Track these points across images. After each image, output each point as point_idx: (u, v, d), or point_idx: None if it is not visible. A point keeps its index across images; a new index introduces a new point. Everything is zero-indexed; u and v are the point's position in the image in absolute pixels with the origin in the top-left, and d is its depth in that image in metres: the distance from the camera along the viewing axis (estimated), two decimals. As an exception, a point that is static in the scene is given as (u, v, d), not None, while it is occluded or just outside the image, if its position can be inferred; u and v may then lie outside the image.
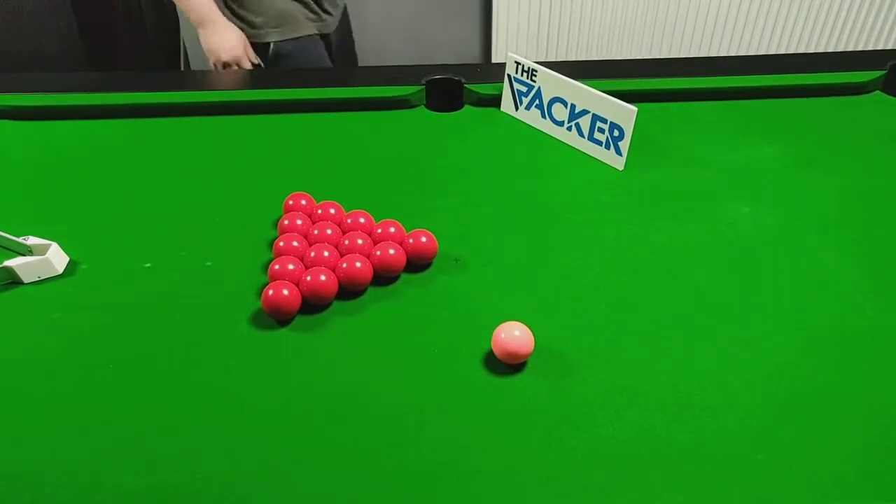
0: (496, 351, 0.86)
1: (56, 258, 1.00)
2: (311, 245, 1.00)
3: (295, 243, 1.00)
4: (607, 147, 1.23)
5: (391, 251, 0.98)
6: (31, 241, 1.01)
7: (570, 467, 0.75)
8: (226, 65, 1.62)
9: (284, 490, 0.73)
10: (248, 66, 1.64)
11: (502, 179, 1.20)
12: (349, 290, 0.97)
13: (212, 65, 1.65)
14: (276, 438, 0.79)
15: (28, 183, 1.20)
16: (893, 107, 1.40)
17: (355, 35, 1.91)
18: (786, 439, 0.78)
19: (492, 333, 0.87)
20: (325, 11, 1.74)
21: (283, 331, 0.92)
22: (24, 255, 1.00)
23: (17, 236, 1.02)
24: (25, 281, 0.99)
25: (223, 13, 1.62)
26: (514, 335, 0.86)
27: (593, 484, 0.74)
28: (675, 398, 0.83)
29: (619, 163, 1.23)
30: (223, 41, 1.58)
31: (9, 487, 0.73)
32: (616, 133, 1.21)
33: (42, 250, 1.00)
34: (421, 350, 0.90)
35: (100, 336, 0.91)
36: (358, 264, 0.96)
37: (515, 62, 1.32)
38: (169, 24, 2.50)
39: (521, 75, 1.32)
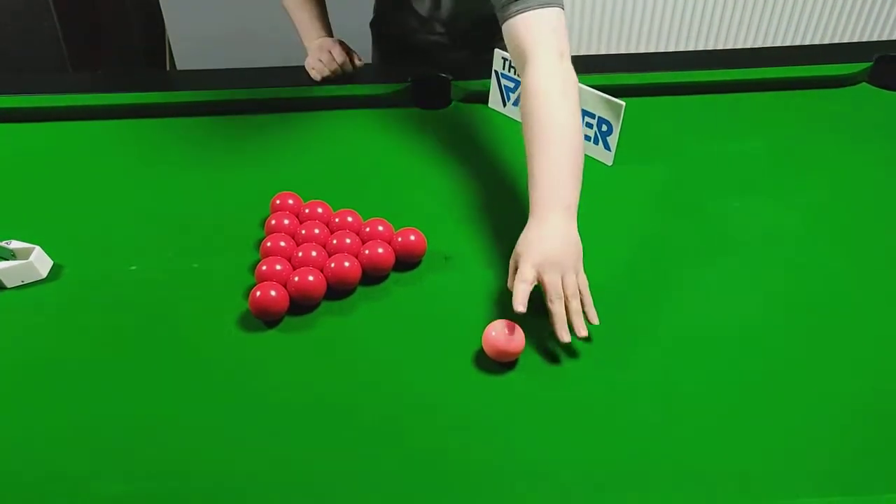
0: (487, 349, 0.86)
1: (39, 262, 0.99)
2: (298, 245, 0.99)
3: (282, 243, 0.99)
4: (596, 142, 1.23)
5: (380, 250, 0.97)
6: (14, 244, 1.00)
7: (563, 466, 0.75)
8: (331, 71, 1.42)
9: (274, 494, 0.73)
10: (338, 58, 1.41)
11: (491, 176, 1.19)
12: (338, 290, 0.96)
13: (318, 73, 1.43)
14: (264, 441, 0.78)
15: (10, 185, 1.18)
16: (880, 98, 1.41)
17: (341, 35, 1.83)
18: (781, 434, 0.78)
19: (482, 332, 0.87)
20: (435, 32, 1.55)
21: (271, 332, 0.91)
22: (6, 260, 0.99)
23: None
24: (8, 286, 0.97)
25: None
26: (504, 333, 0.85)
27: (588, 482, 0.73)
28: (668, 394, 0.83)
29: (607, 158, 1.22)
30: (312, 58, 1.43)
31: (-7, 496, 0.72)
32: (604, 128, 1.20)
33: (25, 254, 0.98)
34: (411, 349, 0.89)
35: (85, 341, 0.90)
36: (346, 263, 0.95)
37: (502, 58, 1.31)
38: (154, 24, 2.47)
39: (509, 71, 1.31)
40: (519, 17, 1.05)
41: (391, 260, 0.99)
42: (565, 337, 0.88)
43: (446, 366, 0.87)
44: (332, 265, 0.95)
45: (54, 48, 2.13)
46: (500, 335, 0.85)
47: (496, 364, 0.86)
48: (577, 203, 0.97)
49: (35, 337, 0.91)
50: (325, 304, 0.95)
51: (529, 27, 1.04)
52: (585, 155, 1.22)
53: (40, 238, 1.02)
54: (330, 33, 1.48)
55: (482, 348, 0.87)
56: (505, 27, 1.08)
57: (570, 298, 0.90)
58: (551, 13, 1.05)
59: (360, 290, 0.98)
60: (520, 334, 0.86)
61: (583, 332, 0.88)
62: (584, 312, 0.90)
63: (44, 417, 0.81)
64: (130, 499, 0.72)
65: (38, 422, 0.80)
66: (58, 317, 0.94)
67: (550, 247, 0.92)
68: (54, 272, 1.00)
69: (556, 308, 0.89)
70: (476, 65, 1.40)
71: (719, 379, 0.85)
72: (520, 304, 0.86)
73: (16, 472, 0.75)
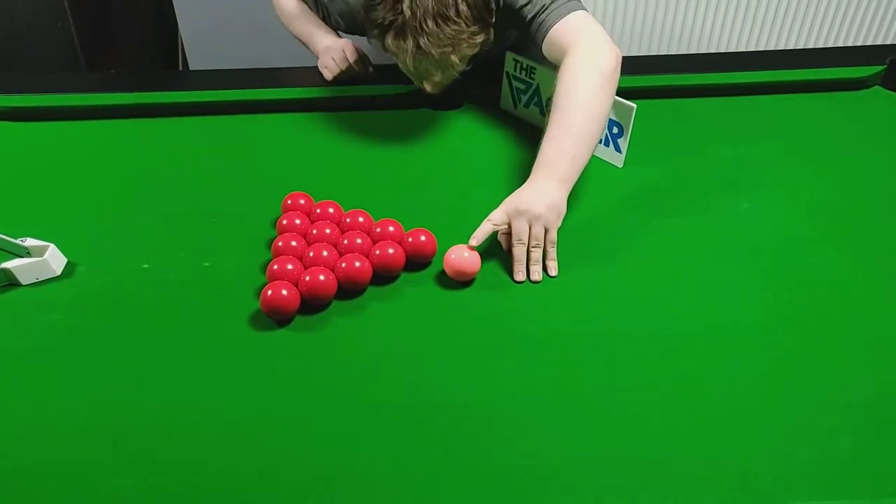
0: (447, 270, 0.97)
1: (54, 259, 1.00)
2: (309, 245, 1.00)
3: (294, 243, 1.00)
4: (606, 144, 1.23)
5: (390, 250, 0.98)
6: (29, 242, 1.01)
7: (568, 465, 0.75)
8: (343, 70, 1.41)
9: (282, 491, 0.73)
10: (350, 58, 1.39)
11: (502, 178, 1.19)
12: (348, 290, 0.97)
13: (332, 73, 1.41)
14: (274, 439, 0.78)
15: (25, 184, 1.20)
16: (893, 102, 1.40)
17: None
18: (786, 437, 0.78)
19: (493, 330, 0.89)
20: None
21: (282, 331, 0.92)
22: (21, 257, 1.00)
23: (15, 238, 1.01)
24: (23, 282, 0.98)
25: None
26: (462, 255, 0.96)
27: (592, 484, 0.73)
28: (674, 395, 0.83)
29: (618, 160, 1.22)
30: (324, 57, 1.42)
31: (6, 488, 0.73)
32: (615, 130, 1.20)
33: (40, 252, 0.99)
34: (422, 348, 0.89)
35: (98, 337, 0.91)
36: (357, 263, 0.95)
37: (514, 60, 1.31)
38: (167, 23, 2.49)
39: (520, 73, 1.31)
40: (549, 33, 1.14)
41: (402, 260, 0.99)
42: (518, 277, 0.99)
43: (457, 365, 0.87)
44: (343, 265, 0.95)
45: (68, 48, 2.14)
46: (459, 256, 0.96)
47: (506, 369, 0.86)
48: (575, 178, 1.05)
49: (49, 333, 0.92)
50: (335, 304, 0.96)
51: (561, 35, 1.13)
52: (596, 158, 1.24)
53: (55, 236, 1.03)
54: (338, 35, 1.48)
55: (492, 346, 0.88)
56: (543, 48, 1.17)
57: (531, 246, 0.99)
58: (574, 17, 1.13)
59: (371, 289, 0.98)
60: (475, 256, 0.97)
61: (536, 276, 0.99)
62: (545, 264, 1.01)
63: (58, 413, 0.81)
64: (144, 493, 0.73)
65: (51, 417, 0.81)
66: (72, 314, 0.95)
67: (528, 200, 1.01)
68: (68, 270, 1.01)
69: (517, 251, 1.00)
70: (488, 66, 1.40)
71: (725, 379, 0.85)
72: (473, 238, 0.99)
73: (26, 468, 0.76)
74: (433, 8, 1.06)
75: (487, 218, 1.01)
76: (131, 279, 1.00)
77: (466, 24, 1.09)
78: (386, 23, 1.09)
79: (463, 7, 1.08)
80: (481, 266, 1.00)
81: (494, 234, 1.04)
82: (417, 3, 1.06)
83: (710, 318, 0.93)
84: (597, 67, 1.08)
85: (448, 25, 1.07)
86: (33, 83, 1.43)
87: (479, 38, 1.13)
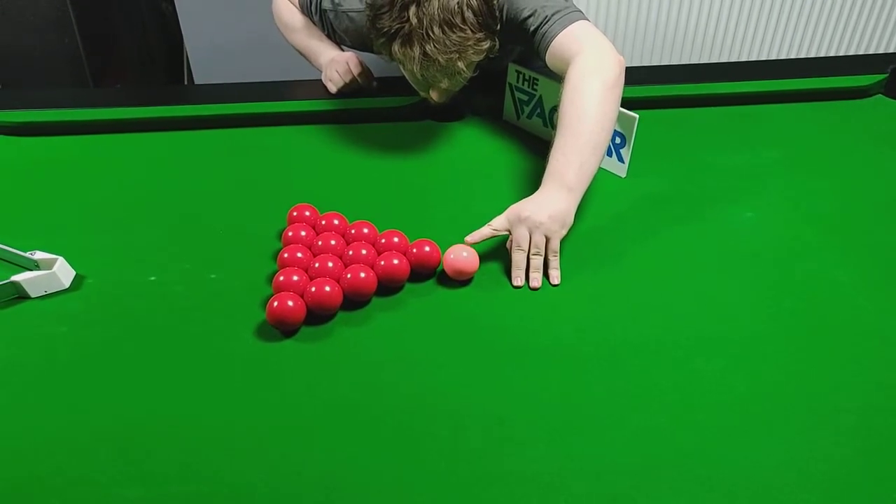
0: (446, 269, 0.99)
1: (62, 272, 1.01)
2: (315, 256, 1.01)
3: (299, 254, 1.00)
4: (609, 155, 1.23)
5: (395, 261, 0.98)
6: (38, 255, 1.02)
7: (573, 475, 0.75)
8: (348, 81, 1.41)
9: (288, 501, 0.73)
10: (354, 70, 1.40)
11: (505, 188, 1.20)
12: (353, 300, 0.97)
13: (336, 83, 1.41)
14: (280, 449, 0.79)
15: (34, 198, 1.21)
16: (895, 110, 1.40)
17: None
18: (790, 441, 0.78)
19: (498, 340, 0.89)
20: None
21: (288, 342, 0.93)
22: (30, 270, 1.01)
23: (24, 251, 1.02)
24: (32, 295, 0.99)
25: None
26: (461, 255, 0.98)
27: (595, 492, 0.74)
28: (679, 401, 0.83)
29: (621, 170, 1.23)
30: (328, 69, 1.42)
31: (13, 499, 0.74)
32: (618, 140, 1.21)
33: (48, 265, 1.00)
34: (426, 358, 0.90)
35: (106, 349, 0.92)
36: (362, 274, 0.96)
37: (516, 71, 1.32)
38: (172, 38, 2.51)
39: (523, 84, 1.32)
40: (552, 43, 1.14)
41: (406, 271, 1.00)
42: (516, 283, 1.00)
43: (461, 374, 0.87)
44: (349, 276, 0.96)
45: (75, 64, 2.17)
46: (458, 256, 0.98)
47: (512, 378, 0.87)
48: (584, 187, 1.06)
49: (58, 345, 0.93)
50: (341, 315, 0.96)
51: (564, 45, 1.13)
52: (599, 168, 1.23)
53: (63, 249, 1.04)
54: (340, 49, 1.50)
55: (496, 356, 0.88)
56: (547, 59, 1.17)
57: (531, 254, 1.01)
58: (577, 27, 1.14)
59: (376, 300, 0.99)
60: (473, 255, 0.99)
61: (535, 283, 1.00)
62: (547, 273, 1.01)
63: (66, 423, 0.82)
64: (150, 503, 0.73)
65: (59, 429, 0.82)
66: (80, 326, 0.95)
67: (530, 208, 1.02)
68: (77, 282, 1.02)
69: (515, 256, 1.01)
70: (490, 77, 1.41)
71: (727, 386, 0.85)
72: (468, 237, 1.02)
73: (35, 478, 0.76)
74: (439, 15, 1.07)
75: (489, 223, 1.03)
76: (139, 291, 1.01)
77: (472, 31, 1.10)
78: (392, 31, 1.10)
79: (469, 14, 1.09)
80: (486, 271, 1.01)
81: (498, 241, 1.05)
82: (423, 10, 1.07)
83: (712, 326, 0.93)
84: (601, 75, 1.09)
85: (454, 32, 1.09)
86: (41, 98, 1.44)
87: (485, 45, 1.14)
